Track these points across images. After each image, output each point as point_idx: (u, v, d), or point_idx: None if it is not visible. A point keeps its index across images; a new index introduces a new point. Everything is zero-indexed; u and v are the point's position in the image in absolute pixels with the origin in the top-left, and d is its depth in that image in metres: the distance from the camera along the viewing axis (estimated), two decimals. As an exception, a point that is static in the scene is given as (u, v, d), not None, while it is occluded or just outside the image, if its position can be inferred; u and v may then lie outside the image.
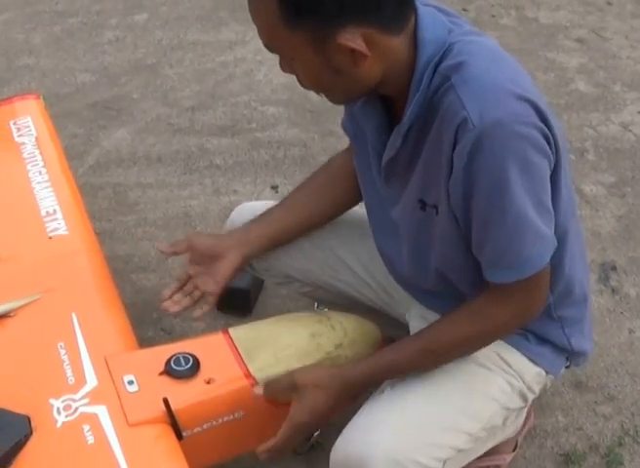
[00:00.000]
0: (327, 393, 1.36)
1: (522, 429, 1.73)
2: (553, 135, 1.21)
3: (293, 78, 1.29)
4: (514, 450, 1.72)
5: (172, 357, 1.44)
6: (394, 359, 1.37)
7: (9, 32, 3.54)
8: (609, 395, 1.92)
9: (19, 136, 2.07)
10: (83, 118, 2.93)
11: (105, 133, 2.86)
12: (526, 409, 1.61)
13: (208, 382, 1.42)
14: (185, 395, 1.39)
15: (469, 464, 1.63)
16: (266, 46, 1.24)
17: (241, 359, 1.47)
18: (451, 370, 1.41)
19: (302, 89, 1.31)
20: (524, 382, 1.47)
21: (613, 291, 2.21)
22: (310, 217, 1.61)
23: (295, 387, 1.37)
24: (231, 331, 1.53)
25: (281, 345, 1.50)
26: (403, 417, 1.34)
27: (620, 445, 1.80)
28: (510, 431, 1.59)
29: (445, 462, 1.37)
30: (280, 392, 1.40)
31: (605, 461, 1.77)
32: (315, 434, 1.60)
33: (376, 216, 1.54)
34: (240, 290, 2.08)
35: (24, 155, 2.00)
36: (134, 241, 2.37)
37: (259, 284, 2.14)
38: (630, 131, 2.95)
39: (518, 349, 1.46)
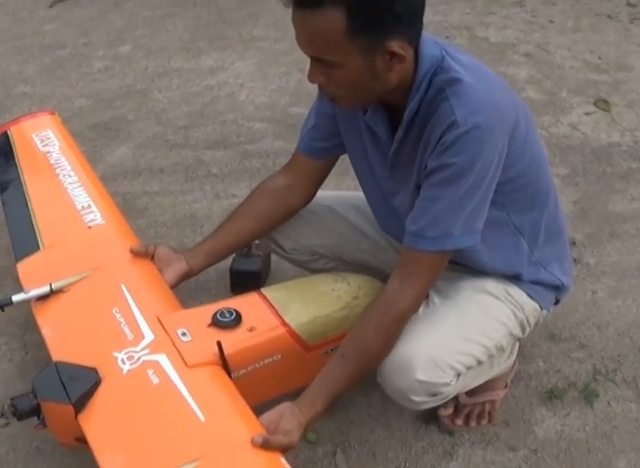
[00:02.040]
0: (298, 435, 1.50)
1: (510, 371, 2.03)
2: (515, 136, 1.55)
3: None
4: (505, 388, 2.01)
5: (217, 311, 1.68)
6: (334, 381, 1.56)
7: (3, 63, 3.83)
8: (580, 343, 2.23)
9: (43, 146, 2.32)
10: (85, 138, 3.19)
11: (108, 150, 3.13)
12: (517, 350, 1.92)
13: (250, 330, 1.67)
14: (233, 341, 1.63)
15: (471, 399, 1.94)
16: (315, 54, 1.45)
17: (276, 311, 1.73)
18: (472, 299, 1.73)
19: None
20: (524, 313, 1.79)
21: (575, 260, 2.52)
22: (242, 235, 1.94)
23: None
24: (263, 290, 1.80)
25: (308, 298, 1.77)
26: (439, 331, 1.64)
27: (595, 380, 2.10)
28: (504, 367, 1.89)
29: (468, 369, 1.67)
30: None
31: (583, 395, 2.06)
32: None
33: (378, 206, 1.85)
34: (252, 272, 2.35)
35: (51, 162, 2.24)
36: (147, 239, 2.59)
37: (267, 267, 2.41)
38: (578, 130, 3.32)
39: (518, 286, 1.79)
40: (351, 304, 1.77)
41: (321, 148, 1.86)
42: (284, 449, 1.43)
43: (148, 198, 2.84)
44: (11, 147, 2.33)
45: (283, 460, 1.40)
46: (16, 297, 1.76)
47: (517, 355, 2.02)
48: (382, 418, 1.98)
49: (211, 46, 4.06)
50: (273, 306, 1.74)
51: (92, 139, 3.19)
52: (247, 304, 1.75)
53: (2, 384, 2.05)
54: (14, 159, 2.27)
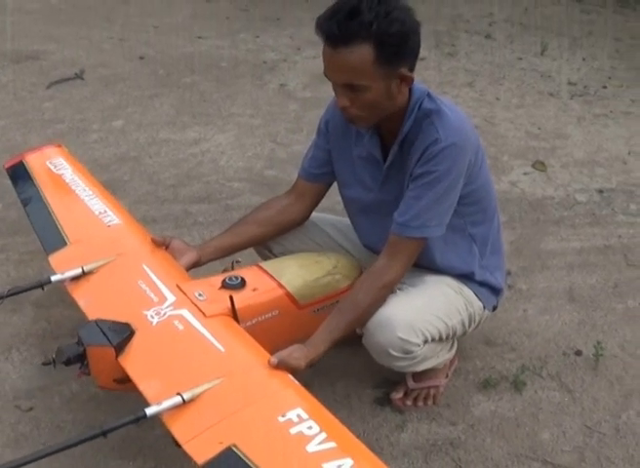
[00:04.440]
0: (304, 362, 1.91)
1: (450, 366, 2.44)
2: (476, 159, 2.05)
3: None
4: (446, 377, 2.42)
5: (225, 278, 2.09)
6: (333, 329, 1.99)
7: (8, 134, 4.28)
8: (512, 348, 2.65)
9: (57, 170, 2.71)
10: (86, 195, 3.61)
11: (107, 204, 3.55)
12: (456, 346, 2.35)
13: (254, 291, 2.09)
14: (240, 299, 2.03)
15: (418, 384, 2.34)
16: (348, 82, 1.88)
17: (273, 277, 2.15)
18: (436, 287, 2.19)
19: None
20: (473, 308, 2.25)
21: (509, 287, 2.97)
22: (245, 237, 2.35)
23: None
24: (260, 263, 2.24)
25: (297, 267, 2.20)
26: (413, 304, 2.10)
27: (524, 373, 2.51)
28: (447, 357, 2.32)
29: (432, 339, 2.11)
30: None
31: (513, 385, 2.47)
32: None
33: (361, 221, 2.32)
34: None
35: (67, 181, 2.63)
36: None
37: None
38: (517, 187, 3.82)
39: (468, 287, 2.26)
40: (332, 272, 2.22)
41: (316, 174, 2.34)
42: (293, 370, 1.82)
43: (143, 241, 3.25)
44: (28, 172, 2.71)
45: (290, 376, 1.78)
46: (54, 277, 2.15)
47: (457, 354, 2.44)
48: (345, 401, 2.39)
49: (194, 121, 4.56)
50: (270, 274, 2.17)
51: (91, 196, 3.61)
52: (249, 273, 2.17)
53: (27, 380, 2.44)
54: (32, 180, 2.65)
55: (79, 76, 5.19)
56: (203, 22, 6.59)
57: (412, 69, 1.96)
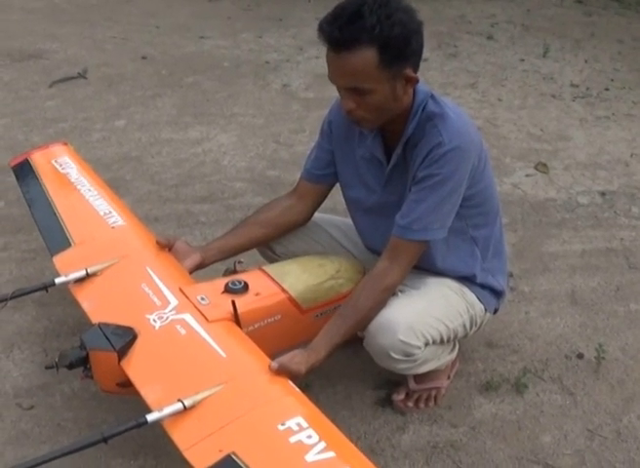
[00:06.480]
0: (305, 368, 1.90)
1: (452, 368, 2.44)
2: (479, 162, 2.04)
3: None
4: (448, 379, 2.42)
5: (228, 282, 2.09)
6: (334, 334, 1.98)
7: (10, 132, 4.29)
8: (513, 350, 2.65)
9: (62, 169, 2.71)
10: (88, 194, 3.61)
11: (109, 203, 3.55)
12: (457, 348, 2.35)
13: (256, 295, 2.08)
14: (243, 303, 2.02)
15: (419, 386, 2.34)
16: (353, 86, 1.89)
17: (275, 281, 2.14)
18: (437, 290, 2.19)
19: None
20: (474, 311, 2.24)
21: (512, 289, 2.97)
22: (248, 239, 2.33)
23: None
24: (263, 267, 2.23)
25: (300, 271, 2.19)
26: (415, 307, 2.09)
27: (525, 376, 2.51)
28: (448, 359, 2.32)
29: (433, 341, 2.10)
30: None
31: (515, 388, 2.47)
32: None
33: (364, 222, 2.32)
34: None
35: (72, 180, 2.63)
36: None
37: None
38: (519, 188, 3.82)
39: (470, 289, 2.25)
40: (335, 276, 2.21)
41: (319, 175, 2.33)
42: (293, 375, 1.81)
43: (145, 240, 3.25)
44: (33, 171, 2.71)
45: (291, 383, 1.78)
46: (58, 280, 2.14)
47: (458, 356, 2.44)
48: (346, 402, 2.39)
49: (196, 121, 4.56)
50: (273, 278, 2.16)
51: (93, 195, 3.61)
52: (252, 277, 2.16)
53: (28, 378, 2.45)
54: (37, 180, 2.65)
55: (82, 75, 5.20)
56: (205, 22, 6.59)
57: (416, 70, 1.96)
